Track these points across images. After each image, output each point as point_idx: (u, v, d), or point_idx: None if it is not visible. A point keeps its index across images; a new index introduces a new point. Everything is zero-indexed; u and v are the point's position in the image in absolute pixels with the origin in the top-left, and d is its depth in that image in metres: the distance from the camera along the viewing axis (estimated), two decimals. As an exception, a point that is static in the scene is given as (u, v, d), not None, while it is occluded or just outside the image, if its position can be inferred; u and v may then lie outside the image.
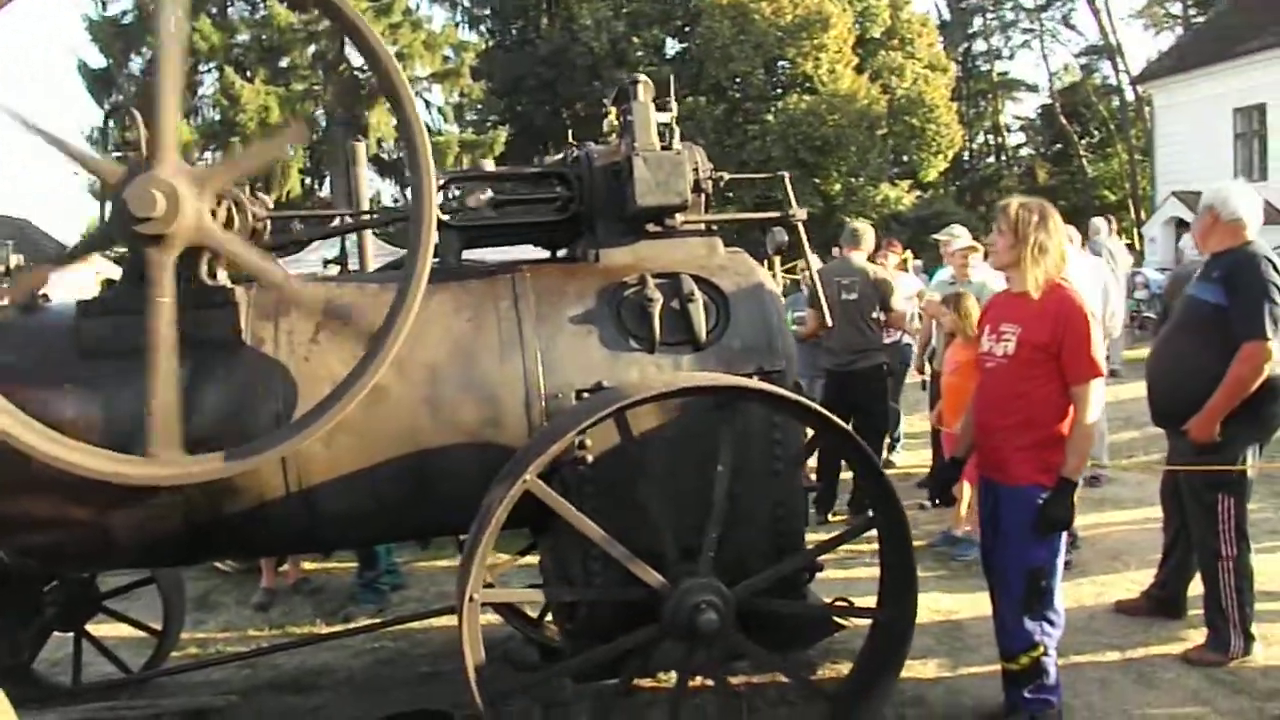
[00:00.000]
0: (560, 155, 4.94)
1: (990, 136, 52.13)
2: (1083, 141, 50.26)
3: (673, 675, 4.68)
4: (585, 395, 4.30)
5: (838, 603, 4.75)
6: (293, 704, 5.63)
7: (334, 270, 5.05)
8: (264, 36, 30.43)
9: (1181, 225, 24.13)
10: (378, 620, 6.31)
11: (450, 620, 6.14)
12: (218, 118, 30.50)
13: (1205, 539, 5.60)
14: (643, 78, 4.68)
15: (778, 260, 4.96)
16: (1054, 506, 4.58)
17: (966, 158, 48.19)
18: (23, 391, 3.87)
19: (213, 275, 4.26)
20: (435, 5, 34.74)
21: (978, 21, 52.27)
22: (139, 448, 3.85)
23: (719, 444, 4.19)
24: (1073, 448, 4.61)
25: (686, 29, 32.85)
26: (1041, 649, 4.72)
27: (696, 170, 4.69)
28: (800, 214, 4.99)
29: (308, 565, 8.01)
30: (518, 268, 4.63)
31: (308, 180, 33.95)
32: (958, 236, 9.34)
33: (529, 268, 4.65)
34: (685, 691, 4.33)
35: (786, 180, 5.08)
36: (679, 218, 4.70)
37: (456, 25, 34.10)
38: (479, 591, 3.83)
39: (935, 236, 9.98)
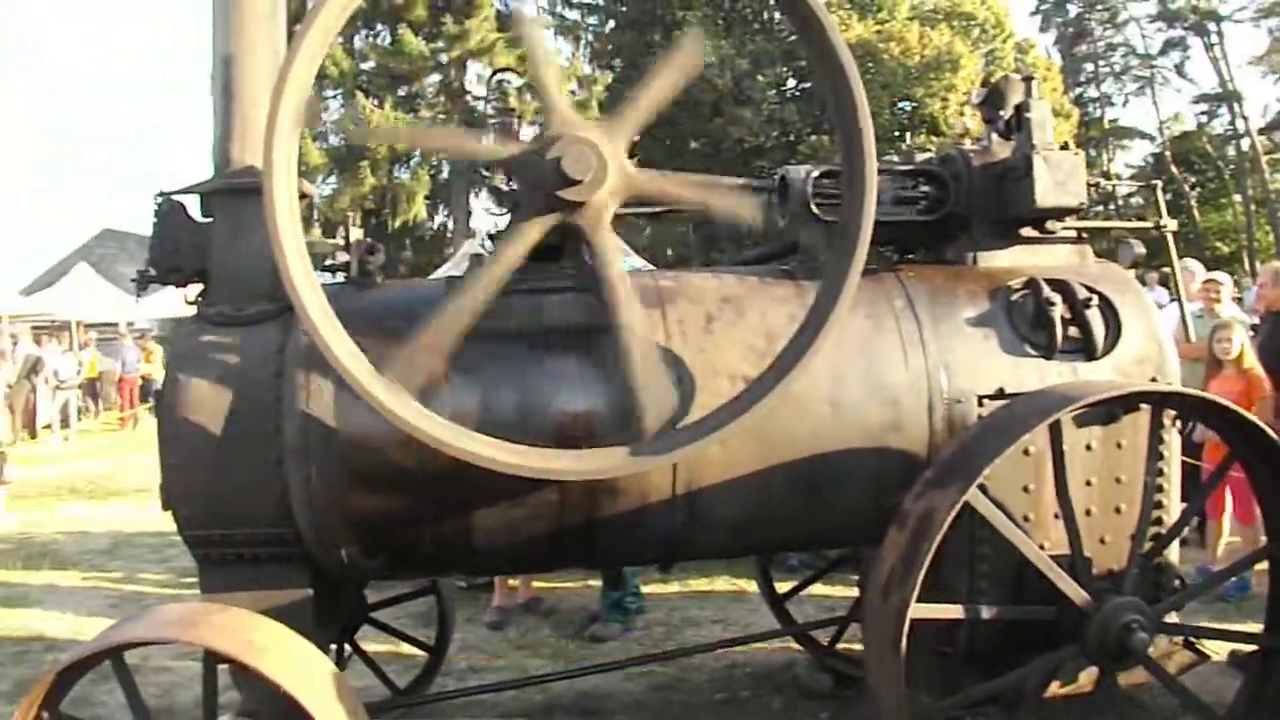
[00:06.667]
0: (927, 154, 4.69)
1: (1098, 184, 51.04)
2: (1194, 191, 49.15)
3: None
4: (986, 401, 4.05)
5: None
6: (591, 729, 5.37)
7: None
8: (391, 64, 30.76)
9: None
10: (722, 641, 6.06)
11: (731, 650, 6.00)
12: (341, 143, 30.86)
13: None
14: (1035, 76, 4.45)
15: (1131, 274, 4.65)
16: None
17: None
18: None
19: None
20: (561, 39, 34.71)
21: (1089, 68, 51.56)
22: (520, 438, 3.63)
23: (1125, 457, 4.05)
24: None
25: (810, 68, 32.77)
26: None
27: (1078, 175, 4.44)
28: (1171, 225, 4.72)
29: (537, 584, 7.79)
30: (898, 267, 4.40)
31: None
32: (1194, 272, 9.07)
33: (910, 268, 4.41)
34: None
35: (1159, 189, 4.81)
36: (1056, 224, 4.46)
37: (581, 59, 34.31)
38: (914, 607, 3.54)
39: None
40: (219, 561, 3.98)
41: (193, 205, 4.27)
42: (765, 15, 34.99)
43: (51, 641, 7.29)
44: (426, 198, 32.30)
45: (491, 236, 4.39)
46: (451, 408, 3.78)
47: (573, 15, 36.68)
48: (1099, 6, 49.79)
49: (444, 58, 31.18)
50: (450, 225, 34.67)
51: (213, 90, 4.22)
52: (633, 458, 3.59)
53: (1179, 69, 51.11)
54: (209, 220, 4.18)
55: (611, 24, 37.62)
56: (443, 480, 3.81)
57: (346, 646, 5.67)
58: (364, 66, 31.42)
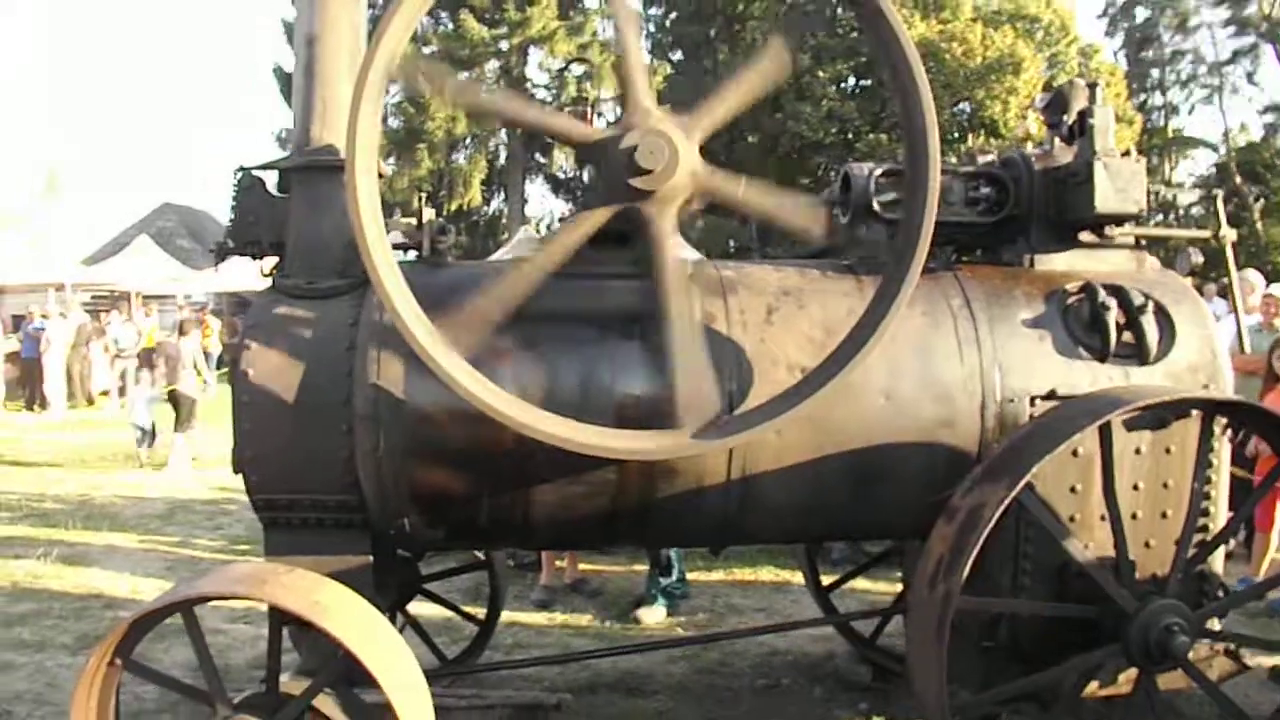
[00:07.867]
0: (989, 157, 4.74)
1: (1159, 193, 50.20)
2: (1259, 203, 48.27)
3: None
4: (1038, 401, 4.12)
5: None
6: (631, 707, 5.48)
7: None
8: (452, 49, 30.97)
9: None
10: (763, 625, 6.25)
11: (773, 638, 6.10)
12: (400, 125, 31.14)
13: None
14: (1099, 81, 4.49)
15: (1189, 282, 4.68)
16: None
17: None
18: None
19: None
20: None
21: (1154, 74, 50.76)
22: (581, 418, 3.74)
23: (1173, 462, 4.10)
24: None
25: (871, 65, 32.50)
26: None
27: (1137, 181, 4.48)
28: (1231, 235, 4.75)
29: (584, 566, 7.92)
30: (956, 266, 4.46)
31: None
32: (1254, 283, 9.03)
33: (968, 268, 4.48)
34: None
35: (1219, 200, 4.84)
36: (1114, 229, 4.51)
37: (642, 50, 34.31)
38: (958, 597, 3.61)
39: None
40: (284, 525, 4.12)
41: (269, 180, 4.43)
42: (827, 10, 34.84)
43: (110, 599, 7.52)
44: (482, 182, 32.56)
45: (560, 220, 4.49)
46: (516, 385, 3.90)
47: (634, 5, 36.78)
48: (1169, 11, 48.93)
49: (505, 44, 31.42)
50: (505, 210, 34.94)
51: (295, 70, 4.38)
52: (693, 440, 3.68)
53: (1250, 77, 50.16)
54: (286, 196, 4.32)
55: (674, 15, 37.65)
56: (504, 454, 3.94)
57: (399, 616, 5.82)
58: (425, 51, 31.63)
